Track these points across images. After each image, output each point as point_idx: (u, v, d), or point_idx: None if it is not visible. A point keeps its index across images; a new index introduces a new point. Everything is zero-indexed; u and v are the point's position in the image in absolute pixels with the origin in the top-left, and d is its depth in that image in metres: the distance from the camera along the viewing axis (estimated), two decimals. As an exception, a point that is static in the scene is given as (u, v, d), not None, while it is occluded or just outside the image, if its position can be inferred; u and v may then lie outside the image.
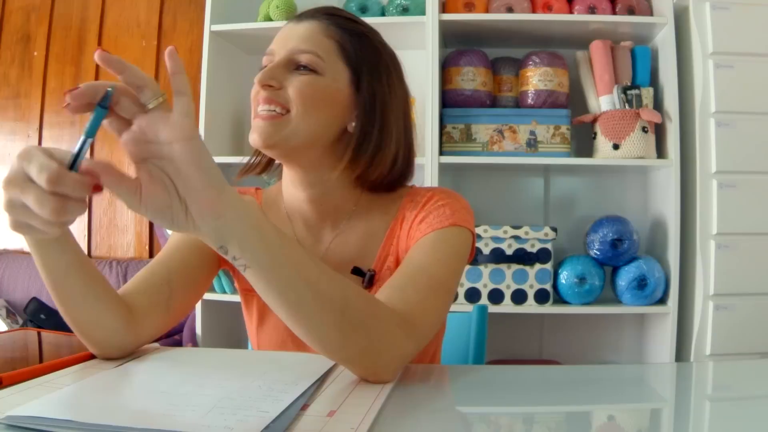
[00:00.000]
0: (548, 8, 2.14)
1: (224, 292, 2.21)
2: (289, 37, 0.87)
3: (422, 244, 0.84)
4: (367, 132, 0.88)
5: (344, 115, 0.88)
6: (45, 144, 2.82)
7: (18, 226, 0.59)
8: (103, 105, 0.57)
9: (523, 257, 2.06)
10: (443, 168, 2.11)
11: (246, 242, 0.60)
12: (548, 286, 2.07)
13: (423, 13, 2.13)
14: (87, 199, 0.58)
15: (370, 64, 0.89)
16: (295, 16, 0.91)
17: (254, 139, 0.85)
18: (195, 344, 2.23)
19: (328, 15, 0.90)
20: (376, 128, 0.88)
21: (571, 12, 2.14)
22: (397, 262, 0.89)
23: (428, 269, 0.80)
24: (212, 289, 2.21)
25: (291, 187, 0.92)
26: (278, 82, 0.85)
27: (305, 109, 0.84)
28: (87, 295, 0.73)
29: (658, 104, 2.12)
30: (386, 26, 2.16)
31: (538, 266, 2.06)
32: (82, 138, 0.57)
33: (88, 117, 0.59)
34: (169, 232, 0.63)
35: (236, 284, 1.00)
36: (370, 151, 0.88)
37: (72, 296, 0.73)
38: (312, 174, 0.89)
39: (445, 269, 0.81)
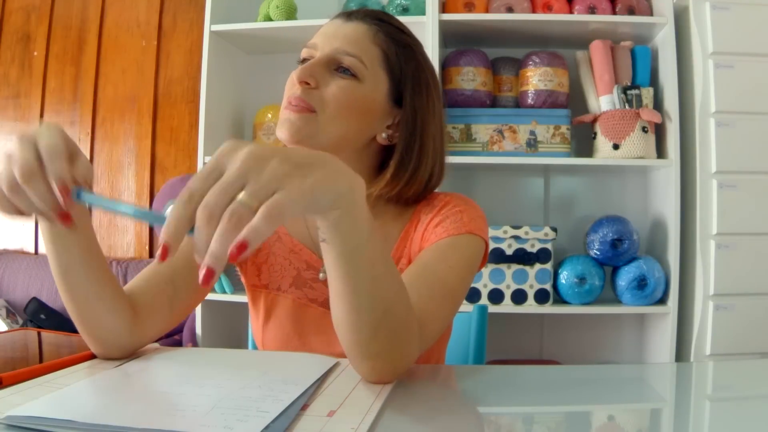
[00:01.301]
0: (548, 8, 2.14)
1: (224, 292, 2.21)
2: (335, 35, 0.86)
3: (437, 249, 0.84)
4: (409, 148, 0.88)
5: (376, 124, 0.88)
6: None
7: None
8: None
9: (523, 257, 2.06)
10: (443, 168, 2.11)
11: (340, 228, 0.58)
12: (548, 286, 2.07)
13: (423, 13, 2.13)
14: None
15: (414, 79, 0.89)
16: (343, 13, 0.90)
17: (282, 133, 0.84)
18: (195, 344, 2.23)
19: (378, 20, 0.88)
20: (417, 145, 0.88)
21: (571, 12, 2.14)
22: (410, 265, 0.89)
23: (442, 276, 0.80)
24: (212, 289, 2.21)
25: None
26: (316, 81, 0.83)
27: (337, 113, 0.83)
28: (93, 292, 0.73)
29: (658, 104, 2.12)
30: (386, 26, 2.16)
31: (538, 266, 2.06)
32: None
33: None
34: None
35: (243, 279, 0.99)
36: (410, 168, 0.88)
37: (77, 291, 0.73)
38: None
39: (457, 277, 0.82)
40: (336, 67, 0.85)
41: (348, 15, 0.89)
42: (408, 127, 0.88)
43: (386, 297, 0.65)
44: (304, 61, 0.88)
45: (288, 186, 0.49)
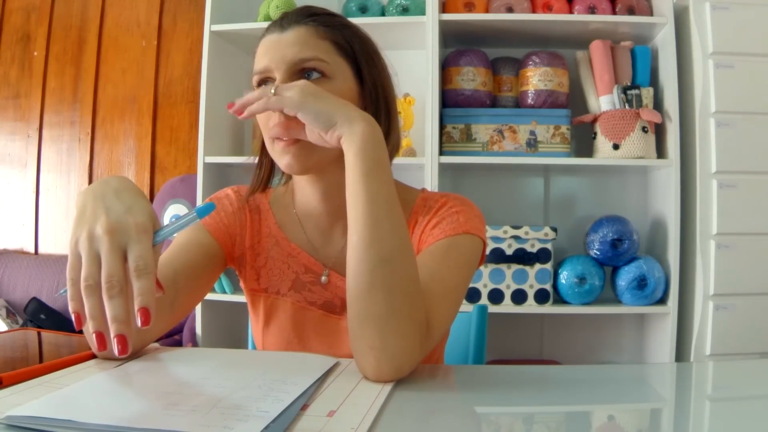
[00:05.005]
0: (548, 8, 2.14)
1: (224, 292, 2.21)
2: (283, 48, 0.84)
3: (436, 250, 0.84)
4: (377, 118, 0.88)
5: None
6: (44, 144, 2.83)
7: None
8: (200, 215, 0.64)
9: (523, 257, 2.06)
10: (443, 168, 2.11)
11: (350, 146, 0.73)
12: (548, 286, 2.07)
13: (423, 13, 2.13)
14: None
15: (364, 53, 0.89)
16: (274, 25, 0.88)
17: (289, 165, 0.84)
18: (195, 344, 2.23)
19: (311, 16, 0.88)
20: (384, 113, 0.89)
21: (571, 12, 2.14)
22: None
23: (443, 277, 0.80)
24: (212, 289, 2.21)
25: (307, 186, 0.92)
26: None
27: None
28: None
29: (658, 104, 2.12)
30: (386, 26, 2.16)
31: (538, 266, 2.06)
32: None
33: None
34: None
35: (242, 284, 1.00)
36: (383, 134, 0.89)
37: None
38: (333, 173, 0.89)
39: (457, 278, 0.82)
40: (300, 77, 0.84)
41: (281, 25, 0.87)
42: (373, 98, 0.89)
43: (385, 243, 0.71)
44: (260, 84, 0.87)
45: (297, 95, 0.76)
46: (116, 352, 0.57)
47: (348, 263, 0.72)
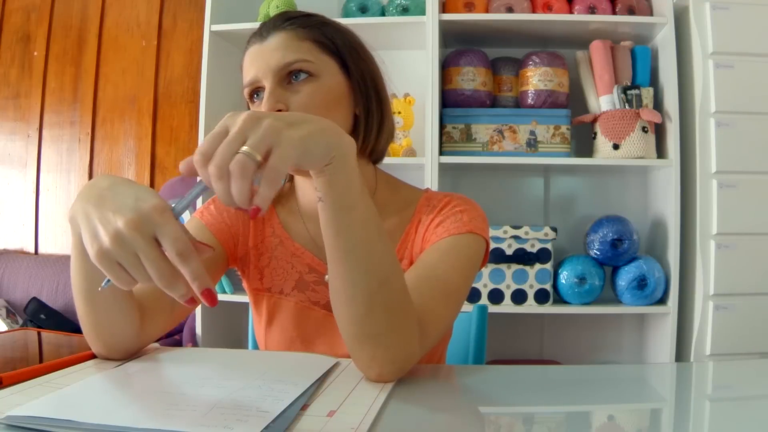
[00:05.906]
0: (548, 8, 2.14)
1: (224, 292, 2.21)
2: (267, 56, 0.85)
3: (439, 249, 0.84)
4: (369, 111, 0.89)
5: (350, 103, 0.89)
6: (44, 144, 2.83)
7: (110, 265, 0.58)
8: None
9: (523, 257, 2.06)
10: (443, 168, 2.11)
11: (333, 183, 0.63)
12: (548, 286, 2.07)
13: (423, 13, 2.13)
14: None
15: (347, 47, 0.90)
16: (254, 36, 0.89)
17: None
18: (195, 344, 2.23)
19: (289, 20, 0.88)
20: (375, 103, 0.90)
21: (571, 12, 2.14)
22: (411, 265, 0.89)
23: (444, 276, 0.80)
24: (212, 289, 2.20)
25: (310, 185, 0.92)
26: (284, 104, 0.83)
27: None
28: (113, 302, 0.73)
29: (658, 104, 2.12)
30: (386, 26, 2.16)
31: (538, 266, 2.06)
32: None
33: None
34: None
35: (245, 284, 1.00)
36: (375, 126, 0.90)
37: (99, 302, 0.72)
38: None
39: (459, 277, 0.82)
40: (288, 80, 0.84)
41: (260, 35, 0.87)
42: (363, 90, 0.89)
43: (381, 266, 0.67)
44: (252, 96, 0.87)
45: (281, 140, 0.56)
46: (207, 303, 0.57)
47: (338, 291, 0.68)
